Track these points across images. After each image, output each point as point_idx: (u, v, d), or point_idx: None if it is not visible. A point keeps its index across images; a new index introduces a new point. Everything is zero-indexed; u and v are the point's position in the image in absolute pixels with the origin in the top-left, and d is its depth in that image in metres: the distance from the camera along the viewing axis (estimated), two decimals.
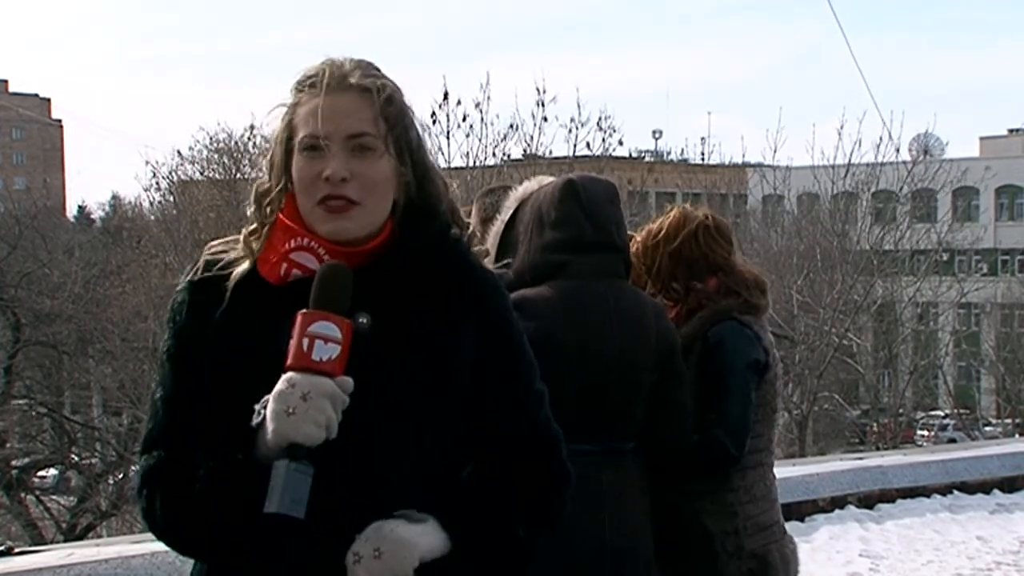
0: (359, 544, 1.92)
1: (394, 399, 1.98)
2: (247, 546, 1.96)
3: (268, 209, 2.05)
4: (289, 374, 1.89)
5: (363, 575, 1.91)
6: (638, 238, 3.47)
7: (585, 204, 3.07)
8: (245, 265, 2.04)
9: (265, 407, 1.90)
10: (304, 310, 1.91)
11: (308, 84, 2.03)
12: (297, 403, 1.86)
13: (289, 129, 2.03)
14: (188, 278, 2.08)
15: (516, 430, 2.11)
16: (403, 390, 2.00)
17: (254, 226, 2.06)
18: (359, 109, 2.01)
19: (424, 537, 1.95)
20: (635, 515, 3.03)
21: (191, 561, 2.13)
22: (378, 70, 2.07)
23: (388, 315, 1.99)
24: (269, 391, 1.93)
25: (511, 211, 3.23)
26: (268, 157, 2.07)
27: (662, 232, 3.42)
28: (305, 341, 1.89)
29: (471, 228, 2.18)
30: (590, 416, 2.95)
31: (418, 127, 2.10)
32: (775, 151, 24.19)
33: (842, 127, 23.52)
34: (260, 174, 2.10)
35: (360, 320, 1.96)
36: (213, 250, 2.12)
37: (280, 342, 1.96)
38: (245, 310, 2.02)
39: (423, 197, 2.08)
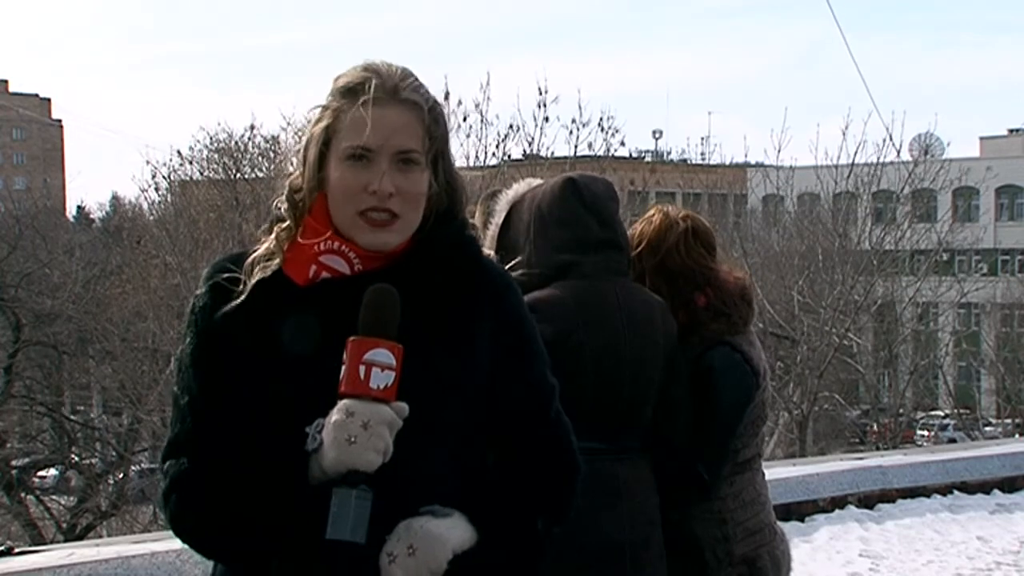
0: (392, 543, 1.94)
1: (421, 400, 1.98)
2: (288, 559, 1.96)
3: (301, 205, 2.05)
4: (346, 402, 1.89)
5: (399, 573, 1.93)
6: None
7: (589, 202, 3.07)
8: (275, 262, 2.04)
9: (319, 431, 1.91)
10: (355, 336, 1.91)
11: (354, 92, 2.00)
12: (358, 432, 1.88)
13: (327, 133, 2.02)
14: (208, 281, 2.07)
15: (531, 424, 2.13)
16: (429, 390, 2.01)
17: (287, 223, 2.05)
18: (409, 124, 2.01)
19: (453, 531, 1.98)
20: (650, 509, 3.06)
21: (191, 561, 2.15)
22: (421, 82, 2.06)
23: (412, 316, 1.99)
24: (291, 391, 1.95)
25: (503, 214, 3.22)
26: (301, 155, 2.06)
27: (644, 243, 3.33)
28: (362, 368, 1.90)
29: (479, 229, 2.20)
30: (604, 415, 2.97)
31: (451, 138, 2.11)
32: (779, 151, 24.19)
33: (847, 127, 23.50)
34: (291, 168, 2.08)
35: None
36: (231, 256, 2.11)
37: (285, 339, 1.98)
38: (271, 310, 2.02)
39: (450, 205, 2.09)
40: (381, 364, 1.90)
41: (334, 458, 1.88)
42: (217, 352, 2.03)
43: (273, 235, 2.06)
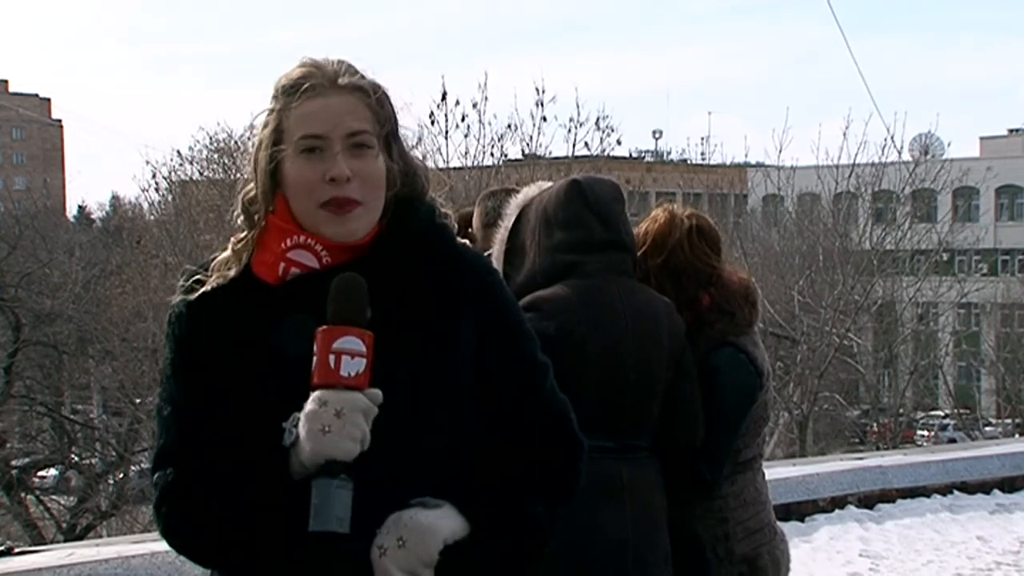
0: (382, 536, 1.94)
1: (402, 391, 1.99)
2: (280, 558, 1.97)
3: (256, 216, 2.06)
4: (318, 392, 1.89)
5: (390, 566, 1.93)
6: None
7: (593, 204, 3.08)
8: (232, 272, 2.05)
9: (295, 426, 1.91)
10: (324, 326, 1.91)
11: (295, 88, 2.02)
12: (332, 420, 1.87)
13: (276, 134, 2.03)
14: (182, 291, 2.08)
15: (525, 405, 2.13)
16: (410, 381, 2.01)
17: (243, 234, 2.07)
18: (355, 108, 2.02)
19: (444, 521, 1.97)
20: (654, 510, 3.05)
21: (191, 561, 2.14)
22: (360, 71, 2.07)
23: (387, 306, 2.00)
24: (277, 392, 1.95)
25: (513, 217, 3.23)
26: (253, 162, 2.07)
27: (649, 241, 3.33)
28: (331, 358, 1.89)
29: (452, 219, 2.19)
30: (608, 413, 2.97)
31: (400, 123, 2.11)
32: (780, 151, 24.16)
33: (847, 127, 23.51)
34: (246, 177, 2.10)
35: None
36: (203, 264, 2.12)
37: (284, 340, 1.98)
38: (245, 313, 2.03)
39: (409, 190, 2.09)
40: (351, 352, 1.90)
41: (311, 449, 1.88)
42: (196, 360, 2.04)
43: (230, 247, 2.08)
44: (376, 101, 2.04)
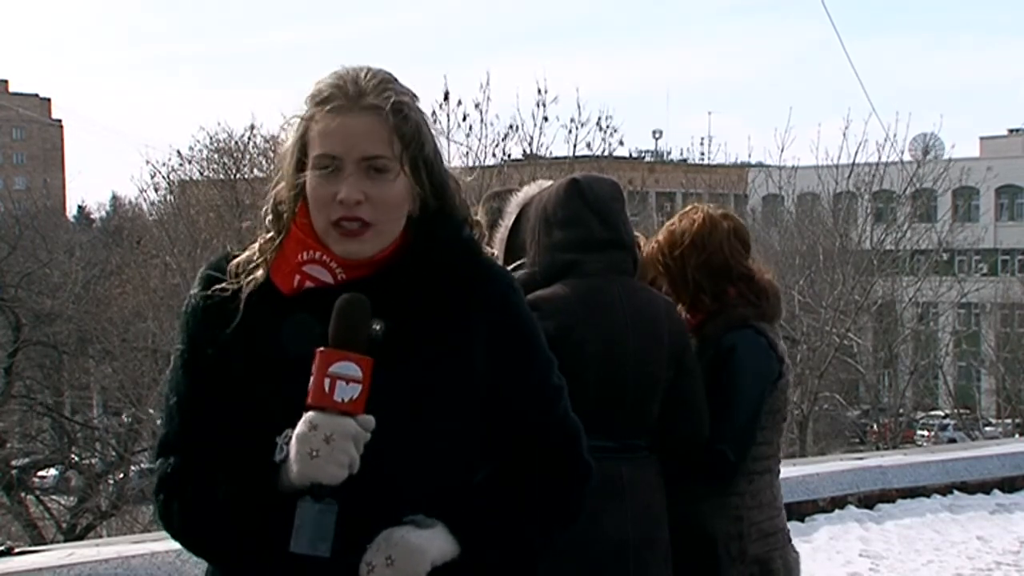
0: (371, 553, 1.94)
1: (409, 408, 1.98)
2: (268, 567, 1.97)
3: (285, 217, 2.05)
4: (310, 414, 1.89)
5: None
6: (660, 238, 3.44)
7: (592, 202, 3.09)
8: (259, 273, 2.04)
9: (287, 443, 1.91)
10: (323, 348, 1.90)
11: (323, 100, 2.00)
12: (320, 445, 1.87)
13: (302, 143, 2.02)
14: (201, 283, 2.08)
15: (535, 427, 2.11)
16: (418, 398, 2.00)
17: (271, 235, 2.06)
18: (373, 130, 1.98)
19: (434, 542, 1.96)
20: (654, 509, 3.06)
21: (191, 561, 2.15)
22: (395, 83, 2.04)
23: (402, 321, 1.99)
24: (280, 399, 1.94)
25: (514, 216, 3.24)
26: (282, 166, 2.06)
27: (688, 241, 3.37)
28: (327, 381, 1.88)
29: (481, 230, 2.18)
30: (607, 413, 2.97)
31: (434, 138, 2.08)
32: (782, 151, 24.20)
33: (847, 128, 23.53)
34: (277, 177, 2.09)
35: (375, 327, 1.95)
36: (225, 256, 2.11)
37: (284, 340, 1.98)
38: (258, 317, 2.02)
39: (439, 207, 2.07)
40: (347, 377, 1.88)
41: (298, 471, 1.88)
42: (205, 356, 2.04)
43: (256, 245, 2.07)
44: (398, 119, 2.00)
